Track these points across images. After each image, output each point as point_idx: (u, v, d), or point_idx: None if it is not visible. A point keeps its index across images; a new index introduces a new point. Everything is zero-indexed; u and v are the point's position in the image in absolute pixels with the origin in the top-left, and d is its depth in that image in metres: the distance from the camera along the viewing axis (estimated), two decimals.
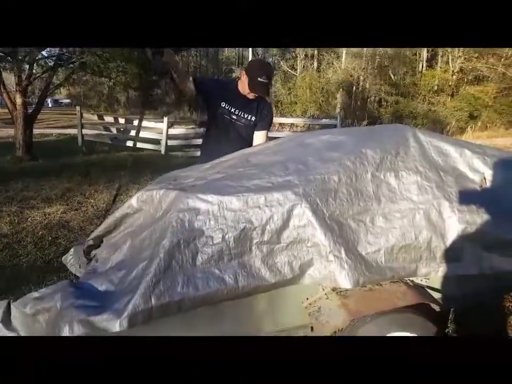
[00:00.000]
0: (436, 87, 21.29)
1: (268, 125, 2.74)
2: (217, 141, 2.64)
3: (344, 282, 1.57)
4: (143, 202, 1.85)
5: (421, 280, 1.79)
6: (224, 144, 2.58)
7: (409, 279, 1.77)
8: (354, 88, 22.02)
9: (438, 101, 20.51)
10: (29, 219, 4.24)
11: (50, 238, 3.72)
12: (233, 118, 2.62)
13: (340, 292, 1.68)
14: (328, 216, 1.64)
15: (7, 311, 1.59)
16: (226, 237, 1.57)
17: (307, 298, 1.72)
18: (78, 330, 1.41)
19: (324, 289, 1.71)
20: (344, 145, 1.93)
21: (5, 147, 8.89)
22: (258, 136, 2.68)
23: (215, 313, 1.62)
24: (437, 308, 1.71)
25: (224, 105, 2.59)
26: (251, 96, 2.56)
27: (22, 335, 1.56)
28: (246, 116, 2.63)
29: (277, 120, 13.55)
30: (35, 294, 1.64)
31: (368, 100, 23.16)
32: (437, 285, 1.79)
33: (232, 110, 2.60)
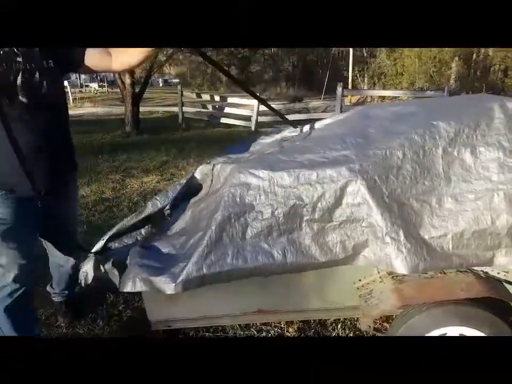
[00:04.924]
0: None
1: None
2: (33, 124, 1.66)
3: (400, 267, 1.46)
4: (205, 175, 1.93)
5: (498, 273, 1.58)
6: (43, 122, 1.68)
7: (482, 270, 1.58)
8: (474, 55, 19.50)
9: None
10: (128, 186, 4.74)
11: (143, 204, 4.10)
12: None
13: (396, 276, 1.57)
14: (387, 195, 1.52)
15: (96, 265, 1.77)
16: (276, 212, 1.55)
17: (360, 280, 1.64)
18: (140, 287, 1.54)
19: (379, 272, 1.61)
20: (414, 117, 1.74)
21: (116, 123, 9.90)
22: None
23: (264, 284, 1.64)
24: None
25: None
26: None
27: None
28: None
29: (374, 93, 12.84)
30: (115, 250, 1.83)
31: (491, 68, 20.36)
32: None
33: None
